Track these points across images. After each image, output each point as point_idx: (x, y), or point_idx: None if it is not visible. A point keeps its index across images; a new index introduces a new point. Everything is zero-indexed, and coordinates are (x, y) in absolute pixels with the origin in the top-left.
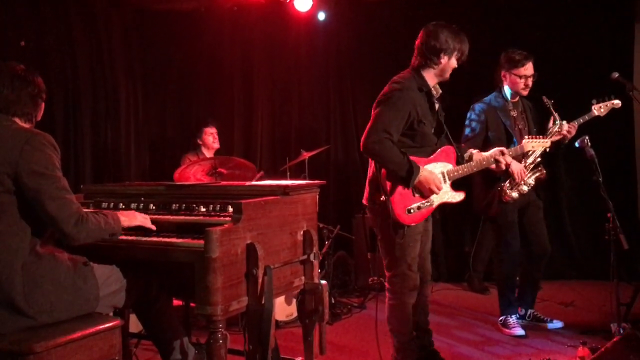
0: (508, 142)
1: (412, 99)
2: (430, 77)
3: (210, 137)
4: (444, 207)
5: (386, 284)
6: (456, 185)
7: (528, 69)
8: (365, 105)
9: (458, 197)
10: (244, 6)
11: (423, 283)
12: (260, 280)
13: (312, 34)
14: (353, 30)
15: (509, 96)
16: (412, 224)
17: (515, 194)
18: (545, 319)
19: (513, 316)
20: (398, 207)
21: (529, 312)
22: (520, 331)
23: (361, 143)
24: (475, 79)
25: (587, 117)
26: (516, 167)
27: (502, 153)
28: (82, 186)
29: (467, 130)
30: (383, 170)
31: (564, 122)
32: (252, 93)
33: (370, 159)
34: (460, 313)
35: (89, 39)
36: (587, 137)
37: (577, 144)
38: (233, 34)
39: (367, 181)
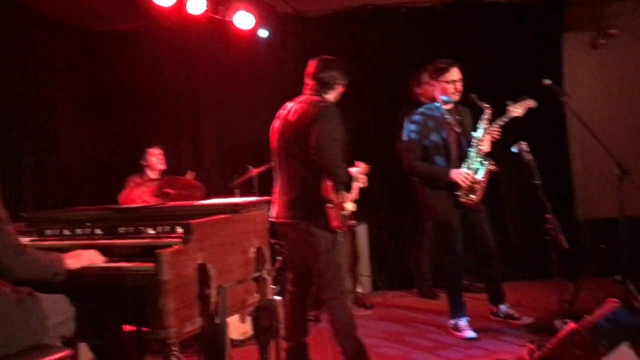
0: (445, 149)
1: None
2: None
3: (154, 158)
4: (393, 215)
5: (327, 295)
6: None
7: (454, 73)
8: None
9: (354, 206)
10: (185, 26)
11: None
12: (213, 300)
13: (254, 51)
14: (295, 47)
15: (442, 104)
16: (342, 230)
17: (472, 196)
18: (517, 316)
19: (463, 319)
20: (337, 214)
21: (501, 309)
22: (470, 333)
23: (316, 151)
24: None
25: (505, 119)
26: (455, 174)
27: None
28: (23, 214)
29: (405, 138)
30: (330, 183)
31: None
32: (197, 112)
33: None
34: (412, 319)
35: (28, 62)
36: (523, 143)
37: (514, 149)
38: (175, 54)
39: (293, 199)
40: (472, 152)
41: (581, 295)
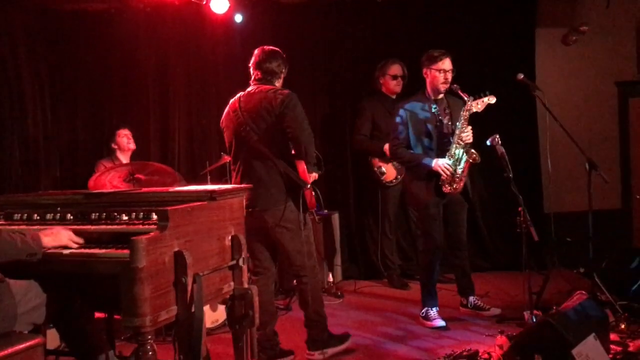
0: (429, 137)
1: None
2: None
3: (125, 139)
4: (362, 206)
5: (302, 274)
6: None
7: (446, 63)
8: None
9: None
10: (158, 7)
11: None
12: (189, 288)
13: (229, 36)
14: (270, 33)
15: (431, 94)
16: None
17: (455, 185)
18: (485, 307)
19: (434, 309)
20: (311, 194)
21: (470, 300)
22: (440, 322)
23: (295, 136)
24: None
25: (465, 114)
26: (436, 164)
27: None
28: None
29: (392, 128)
30: (302, 166)
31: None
32: (168, 96)
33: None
34: (382, 309)
35: None
36: (497, 136)
37: (488, 142)
38: (146, 36)
39: (266, 185)
40: (454, 143)
41: (548, 287)
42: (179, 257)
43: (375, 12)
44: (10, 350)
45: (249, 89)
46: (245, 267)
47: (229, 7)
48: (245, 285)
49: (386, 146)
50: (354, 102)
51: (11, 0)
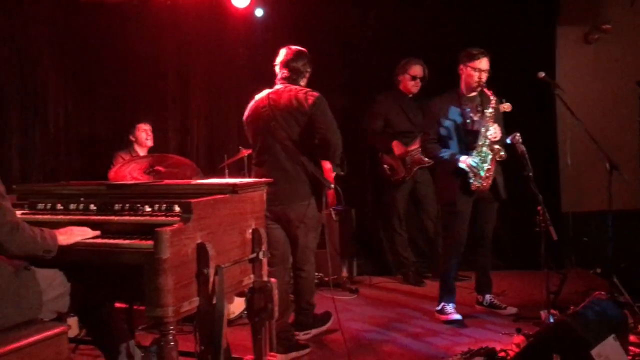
0: (458, 134)
1: None
2: None
3: (144, 134)
4: (378, 202)
5: (304, 268)
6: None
7: (482, 63)
8: None
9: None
10: (180, 1)
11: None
12: (211, 280)
13: (249, 30)
14: (291, 27)
15: (464, 91)
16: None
17: (478, 182)
18: (501, 305)
19: (450, 304)
20: (333, 194)
21: (486, 298)
22: (456, 316)
23: (326, 137)
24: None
25: (491, 113)
26: (462, 160)
27: None
28: (14, 186)
29: (427, 127)
30: (328, 166)
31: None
32: (188, 89)
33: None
34: (397, 305)
35: (14, 31)
36: (517, 134)
37: (508, 140)
38: (168, 29)
39: (293, 182)
40: (483, 139)
41: (565, 286)
42: (201, 249)
43: (396, 8)
44: (36, 337)
45: (277, 87)
46: (265, 261)
47: (250, 1)
48: (265, 278)
49: (394, 142)
50: (370, 96)
51: None
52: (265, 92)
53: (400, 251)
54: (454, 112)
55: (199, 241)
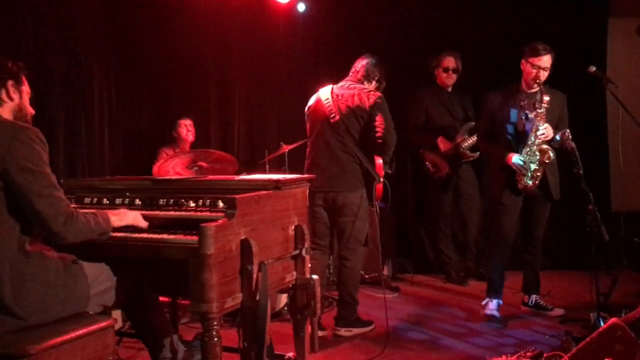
0: (514, 130)
1: None
2: None
3: (184, 129)
4: (419, 200)
5: (349, 257)
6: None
7: (543, 61)
8: None
9: None
10: None
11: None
12: (254, 276)
13: (291, 25)
14: (333, 22)
15: (524, 86)
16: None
17: (528, 182)
18: (548, 306)
19: (494, 301)
20: (381, 188)
21: (532, 299)
22: (493, 312)
23: (382, 134)
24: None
25: (541, 111)
26: (510, 159)
27: None
28: (62, 180)
29: (481, 120)
30: (379, 161)
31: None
32: (230, 85)
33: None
34: (440, 304)
35: (61, 27)
36: (567, 131)
37: (557, 137)
38: (210, 25)
39: (347, 171)
40: (532, 138)
41: (615, 288)
42: (245, 245)
43: (438, 3)
44: (84, 330)
45: (342, 83)
46: (308, 257)
47: None
48: (308, 275)
49: (440, 138)
50: (411, 92)
51: None
52: (329, 87)
53: (443, 249)
54: (509, 108)
55: (242, 237)
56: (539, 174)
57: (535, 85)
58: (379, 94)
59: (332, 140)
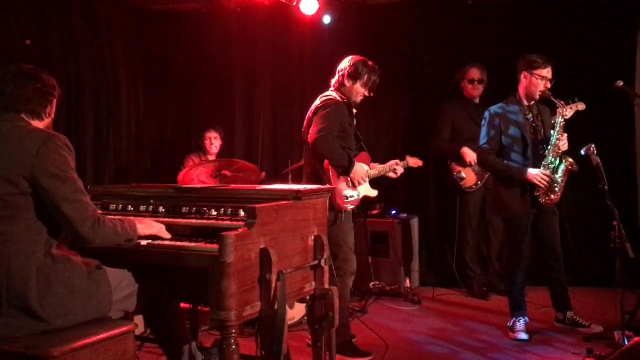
0: (523, 145)
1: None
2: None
3: (209, 142)
4: (442, 212)
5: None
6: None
7: (550, 72)
8: (368, 109)
9: (373, 193)
10: (248, 8)
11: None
12: (273, 285)
13: (317, 37)
14: (358, 34)
15: (524, 99)
16: (349, 208)
17: (552, 196)
18: (584, 323)
19: (521, 320)
20: (339, 195)
21: (568, 316)
22: (522, 335)
23: (310, 139)
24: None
25: (562, 122)
26: (532, 175)
27: (397, 164)
28: (89, 187)
29: (482, 134)
30: (326, 163)
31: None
32: (254, 95)
33: (310, 158)
34: (461, 318)
35: (91, 39)
36: (593, 146)
37: (582, 152)
38: (236, 36)
39: (306, 179)
40: (550, 151)
41: None
42: (264, 254)
43: (464, 13)
44: (105, 335)
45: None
46: (327, 268)
47: (319, 8)
48: (327, 286)
49: (464, 149)
50: (437, 105)
51: None
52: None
53: (467, 262)
54: (517, 122)
55: (262, 246)
56: (563, 185)
57: (538, 98)
58: (327, 97)
59: (304, 149)
